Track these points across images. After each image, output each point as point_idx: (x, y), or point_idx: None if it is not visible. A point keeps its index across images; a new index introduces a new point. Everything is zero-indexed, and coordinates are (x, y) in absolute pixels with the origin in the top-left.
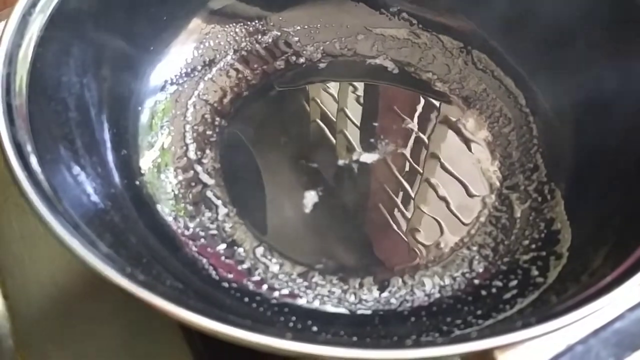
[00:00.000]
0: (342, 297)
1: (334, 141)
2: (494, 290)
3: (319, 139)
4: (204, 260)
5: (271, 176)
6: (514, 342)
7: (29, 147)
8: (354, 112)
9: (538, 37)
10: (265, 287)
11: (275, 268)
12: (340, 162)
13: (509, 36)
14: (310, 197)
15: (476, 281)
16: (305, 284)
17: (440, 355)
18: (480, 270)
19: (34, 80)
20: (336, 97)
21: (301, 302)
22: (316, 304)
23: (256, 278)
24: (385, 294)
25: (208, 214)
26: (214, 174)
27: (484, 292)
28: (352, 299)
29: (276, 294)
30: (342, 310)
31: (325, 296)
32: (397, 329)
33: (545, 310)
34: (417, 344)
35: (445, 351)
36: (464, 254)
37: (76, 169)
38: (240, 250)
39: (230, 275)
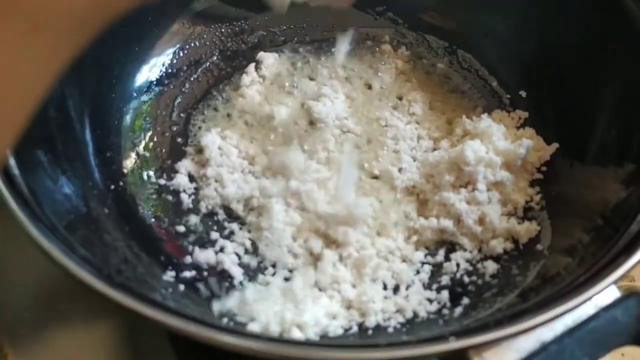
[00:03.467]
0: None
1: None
2: (473, 288)
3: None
4: (188, 261)
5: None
6: (487, 341)
7: (7, 151)
8: None
9: (525, 38)
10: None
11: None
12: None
13: (493, 37)
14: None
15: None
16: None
17: (414, 355)
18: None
19: None
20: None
21: None
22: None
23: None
24: None
25: (191, 214)
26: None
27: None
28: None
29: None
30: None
31: None
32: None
33: (521, 309)
34: (392, 345)
35: (419, 351)
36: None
37: (57, 172)
38: (223, 253)
39: (213, 277)
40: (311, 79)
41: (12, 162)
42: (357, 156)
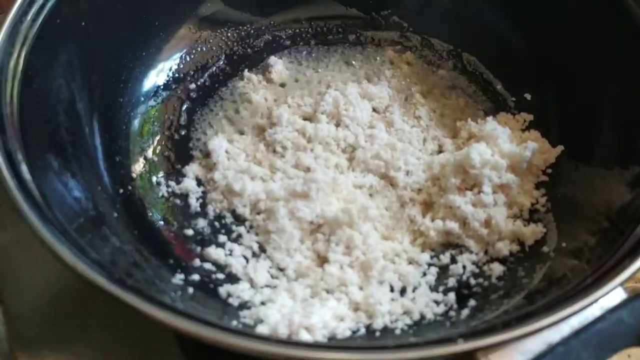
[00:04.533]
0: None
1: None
2: (480, 290)
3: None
4: (196, 264)
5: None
6: (495, 343)
7: (19, 155)
8: None
9: (529, 41)
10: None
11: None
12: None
13: (498, 40)
14: None
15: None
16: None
17: (423, 357)
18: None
19: (25, 89)
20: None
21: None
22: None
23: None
24: None
25: (199, 218)
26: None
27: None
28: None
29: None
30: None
31: None
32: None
33: (527, 311)
34: (401, 347)
35: (427, 353)
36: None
37: (67, 176)
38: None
39: (221, 279)
40: (317, 82)
41: (23, 166)
42: (363, 159)
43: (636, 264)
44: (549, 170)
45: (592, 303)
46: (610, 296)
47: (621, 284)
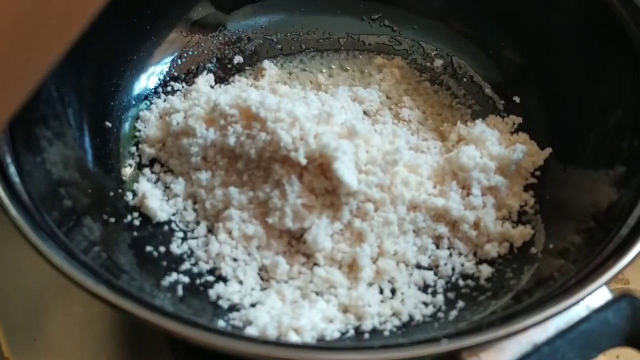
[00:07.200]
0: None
1: None
2: (468, 291)
3: None
4: (186, 266)
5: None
6: (479, 343)
7: (8, 158)
8: None
9: (518, 45)
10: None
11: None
12: None
13: (487, 43)
14: None
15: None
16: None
17: (407, 357)
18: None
19: None
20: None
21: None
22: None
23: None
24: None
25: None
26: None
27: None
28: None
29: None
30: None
31: None
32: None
33: (512, 312)
34: (386, 347)
35: (412, 353)
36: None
37: (56, 179)
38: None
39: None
40: (308, 86)
41: (12, 169)
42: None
43: (620, 264)
44: (538, 173)
45: (575, 303)
46: (596, 296)
47: (606, 284)
